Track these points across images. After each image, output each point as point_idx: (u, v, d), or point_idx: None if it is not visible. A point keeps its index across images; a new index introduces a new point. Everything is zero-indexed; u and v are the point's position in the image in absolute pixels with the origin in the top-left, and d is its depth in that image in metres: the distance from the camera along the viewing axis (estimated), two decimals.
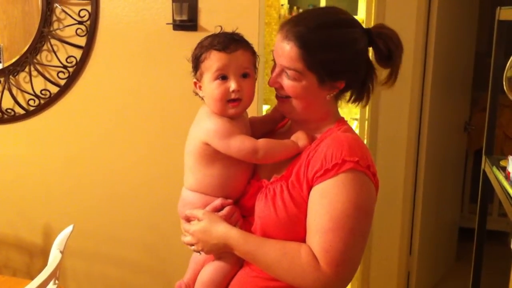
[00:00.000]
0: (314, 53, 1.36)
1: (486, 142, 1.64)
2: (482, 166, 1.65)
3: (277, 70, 1.43)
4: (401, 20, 3.02)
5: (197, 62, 1.47)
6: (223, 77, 1.44)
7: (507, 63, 1.53)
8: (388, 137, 3.21)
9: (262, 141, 1.44)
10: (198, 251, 1.48)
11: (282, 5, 5.90)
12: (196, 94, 1.53)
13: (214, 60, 1.44)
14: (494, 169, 1.47)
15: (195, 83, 1.50)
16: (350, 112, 5.18)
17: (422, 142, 3.26)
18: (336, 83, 1.41)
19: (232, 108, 1.45)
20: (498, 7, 1.58)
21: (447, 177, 3.76)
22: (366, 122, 3.30)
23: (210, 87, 1.45)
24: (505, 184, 1.34)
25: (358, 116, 3.37)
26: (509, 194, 1.29)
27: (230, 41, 1.45)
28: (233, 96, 1.44)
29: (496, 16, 1.58)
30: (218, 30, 1.50)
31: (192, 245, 1.48)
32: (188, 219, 1.50)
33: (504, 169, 1.46)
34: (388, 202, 3.20)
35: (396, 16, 3.03)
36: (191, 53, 1.49)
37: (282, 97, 1.45)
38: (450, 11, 3.29)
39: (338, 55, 1.38)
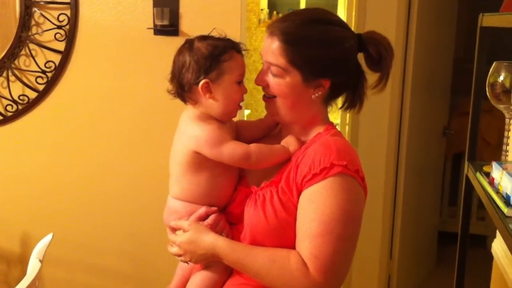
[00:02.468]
0: (297, 48, 1.36)
1: (469, 148, 1.66)
2: (465, 172, 1.66)
3: (263, 67, 1.43)
4: (381, 26, 3.03)
5: (215, 61, 1.41)
6: (240, 81, 1.45)
7: (489, 69, 1.55)
8: (368, 142, 3.22)
9: (253, 147, 1.43)
10: (186, 262, 1.46)
11: (261, 9, 5.91)
12: (181, 97, 1.47)
13: (239, 62, 1.45)
14: (478, 175, 1.48)
15: (207, 83, 1.42)
16: (331, 117, 5.19)
17: (402, 146, 3.28)
18: (321, 81, 1.40)
19: (236, 112, 1.48)
20: (481, 14, 1.59)
21: (427, 181, 3.79)
22: (347, 126, 3.31)
23: (232, 89, 1.44)
24: (490, 190, 1.35)
25: (338, 121, 3.38)
26: (493, 200, 1.30)
27: (240, 45, 1.47)
28: (243, 100, 1.47)
29: (478, 23, 1.59)
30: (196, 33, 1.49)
31: (179, 255, 1.46)
32: (174, 230, 1.49)
33: (487, 174, 1.47)
34: (368, 206, 3.18)
35: (376, 21, 3.05)
36: (194, 54, 1.42)
37: (269, 97, 1.44)
38: (429, 17, 3.32)
39: (321, 51, 1.37)
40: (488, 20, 1.54)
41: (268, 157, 1.43)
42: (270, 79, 1.41)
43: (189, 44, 1.45)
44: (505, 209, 1.22)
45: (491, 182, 1.37)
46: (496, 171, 1.36)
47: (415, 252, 3.69)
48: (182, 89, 1.44)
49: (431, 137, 3.71)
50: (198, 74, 1.41)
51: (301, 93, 1.40)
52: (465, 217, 1.67)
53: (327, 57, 1.38)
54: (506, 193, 1.25)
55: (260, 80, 1.43)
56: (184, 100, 1.48)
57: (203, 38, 1.45)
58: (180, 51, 1.46)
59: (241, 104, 1.48)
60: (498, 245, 2.23)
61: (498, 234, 2.31)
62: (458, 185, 4.36)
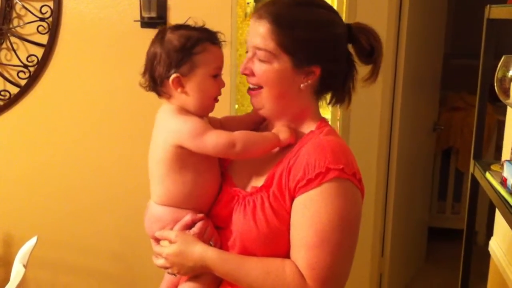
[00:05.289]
0: (288, 30, 1.29)
1: (474, 146, 1.61)
2: (471, 171, 1.61)
3: (249, 54, 1.34)
4: (372, 22, 2.97)
5: (186, 54, 1.33)
6: (217, 74, 1.38)
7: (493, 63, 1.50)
8: (360, 137, 3.18)
9: (238, 133, 1.34)
10: (174, 274, 1.38)
11: (248, 3, 5.84)
12: (154, 91, 1.40)
13: (215, 55, 1.37)
14: (488, 175, 1.43)
15: (178, 79, 1.35)
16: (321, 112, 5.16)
17: (394, 142, 3.25)
18: (311, 68, 1.32)
19: (213, 107, 1.41)
20: (488, 5, 1.53)
21: (418, 178, 3.77)
22: (338, 122, 3.26)
23: (206, 83, 1.36)
24: (503, 191, 1.30)
25: (329, 116, 3.32)
26: (507, 201, 1.24)
27: (217, 36, 1.38)
28: (219, 94, 1.40)
29: (485, 15, 1.53)
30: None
31: (166, 268, 1.38)
32: (158, 240, 1.40)
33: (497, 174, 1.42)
34: None
35: (367, 17, 2.99)
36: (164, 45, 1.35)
37: (254, 88, 1.36)
38: (420, 13, 3.30)
39: (312, 33, 1.30)
40: (496, 12, 1.48)
41: (256, 143, 1.34)
42: (256, 66, 1.32)
43: (161, 35, 1.37)
44: None
45: (503, 183, 1.31)
46: (508, 171, 1.30)
47: (406, 249, 3.67)
48: (155, 83, 1.38)
49: (422, 133, 3.69)
50: (169, 67, 1.34)
51: (289, 81, 1.32)
52: (470, 217, 1.62)
53: (318, 40, 1.31)
54: None
55: (245, 68, 1.35)
56: (158, 93, 1.42)
57: (176, 28, 1.38)
58: (152, 42, 1.39)
59: (218, 98, 1.41)
60: (496, 244, 2.19)
61: (495, 232, 2.27)
62: (448, 180, 4.34)
